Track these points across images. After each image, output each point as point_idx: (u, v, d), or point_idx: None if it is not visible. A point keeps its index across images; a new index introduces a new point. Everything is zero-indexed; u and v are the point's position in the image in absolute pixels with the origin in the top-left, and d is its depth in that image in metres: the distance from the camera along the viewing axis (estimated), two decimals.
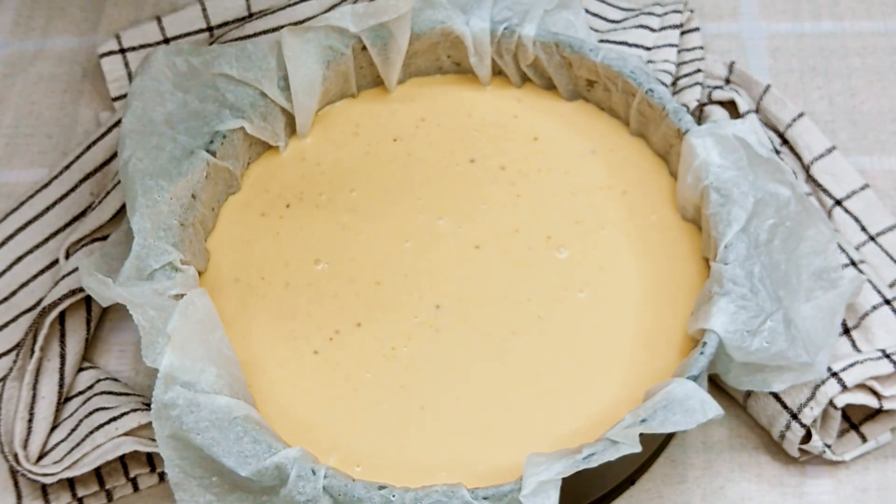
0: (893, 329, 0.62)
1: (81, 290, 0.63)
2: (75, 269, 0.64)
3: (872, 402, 0.59)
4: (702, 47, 0.74)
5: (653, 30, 0.73)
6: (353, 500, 0.53)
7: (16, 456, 0.60)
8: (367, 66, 0.70)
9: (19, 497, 0.61)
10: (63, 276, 0.64)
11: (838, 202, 0.68)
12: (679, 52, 0.73)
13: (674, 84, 0.72)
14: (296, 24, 0.71)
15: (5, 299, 0.67)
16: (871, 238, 0.67)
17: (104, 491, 0.61)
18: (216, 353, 0.58)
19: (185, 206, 0.63)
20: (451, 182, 0.67)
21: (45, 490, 0.61)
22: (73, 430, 0.61)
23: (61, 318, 0.64)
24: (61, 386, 0.63)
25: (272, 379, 0.60)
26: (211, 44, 0.73)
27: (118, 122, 0.71)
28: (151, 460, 0.61)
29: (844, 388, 0.59)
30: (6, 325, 0.66)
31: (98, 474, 0.61)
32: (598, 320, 0.61)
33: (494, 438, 0.58)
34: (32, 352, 0.62)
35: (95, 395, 0.62)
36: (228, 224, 0.66)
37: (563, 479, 0.53)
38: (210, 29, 0.75)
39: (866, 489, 0.60)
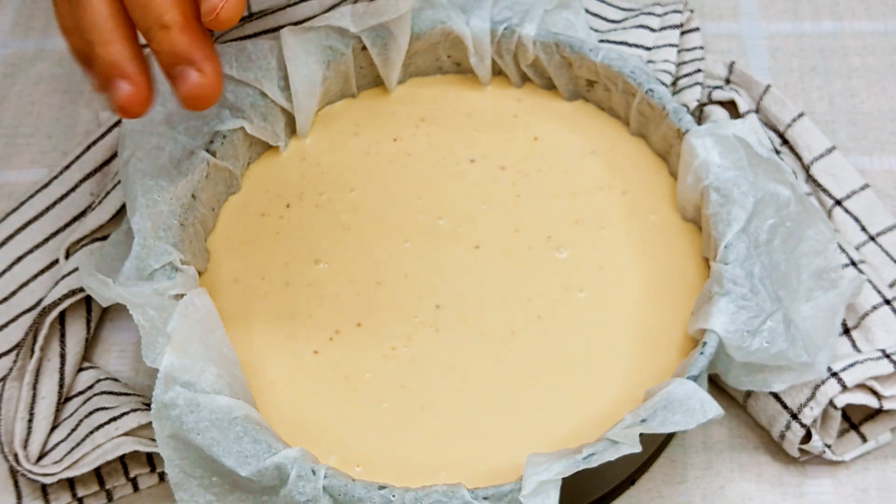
0: (893, 329, 0.62)
1: (81, 290, 0.63)
2: (75, 269, 0.64)
3: (872, 402, 0.59)
4: (702, 47, 0.74)
5: (653, 30, 0.73)
6: (353, 500, 0.53)
7: (16, 456, 0.60)
8: (367, 66, 0.70)
9: (19, 497, 0.61)
10: (63, 276, 0.64)
11: (838, 202, 0.68)
12: (679, 52, 0.73)
13: (674, 84, 0.72)
14: (296, 24, 0.71)
15: (5, 299, 0.67)
16: (871, 238, 0.67)
17: (104, 491, 0.61)
18: (216, 353, 0.58)
19: (185, 206, 0.63)
20: (451, 182, 0.67)
21: (45, 490, 0.61)
22: (73, 430, 0.61)
23: (61, 318, 0.64)
24: (61, 386, 0.63)
25: (272, 379, 0.60)
26: None
27: (118, 122, 0.71)
28: (151, 460, 0.61)
29: (844, 388, 0.59)
30: (6, 325, 0.66)
31: (98, 474, 0.61)
32: (598, 320, 0.61)
33: (494, 438, 0.58)
34: (32, 352, 0.62)
35: (95, 395, 0.62)
36: (228, 224, 0.66)
37: (563, 479, 0.53)
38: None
39: (866, 489, 0.60)
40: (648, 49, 0.72)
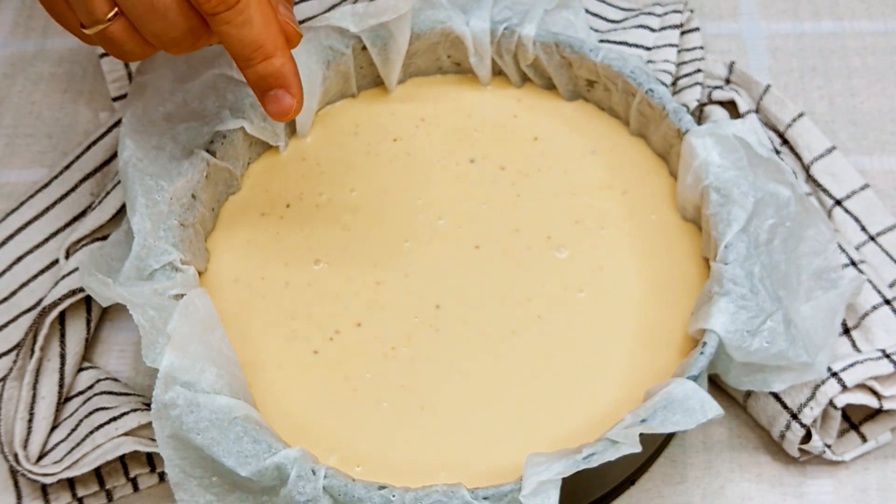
0: (893, 329, 0.62)
1: (81, 290, 0.63)
2: (75, 269, 0.64)
3: (872, 402, 0.59)
4: (702, 47, 0.74)
5: (653, 30, 0.73)
6: (353, 500, 0.53)
7: (16, 456, 0.60)
8: (367, 66, 0.70)
9: (19, 497, 0.61)
10: (63, 276, 0.64)
11: (838, 202, 0.68)
12: (679, 52, 0.73)
13: (674, 84, 0.72)
14: None
15: (5, 299, 0.67)
16: (871, 238, 0.67)
17: (104, 491, 0.61)
18: (216, 353, 0.58)
19: (185, 206, 0.63)
20: (451, 182, 0.67)
21: (45, 490, 0.61)
22: (73, 430, 0.61)
23: (61, 318, 0.64)
24: (61, 386, 0.63)
25: (272, 379, 0.60)
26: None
27: (118, 122, 0.71)
28: (151, 460, 0.61)
29: (844, 388, 0.59)
30: (6, 325, 0.66)
31: (98, 474, 0.61)
32: (598, 320, 0.61)
33: (494, 438, 0.58)
34: (32, 352, 0.62)
35: (95, 395, 0.62)
36: (228, 224, 0.66)
37: (563, 479, 0.53)
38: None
39: (866, 489, 0.60)
40: (648, 49, 0.72)
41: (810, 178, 0.69)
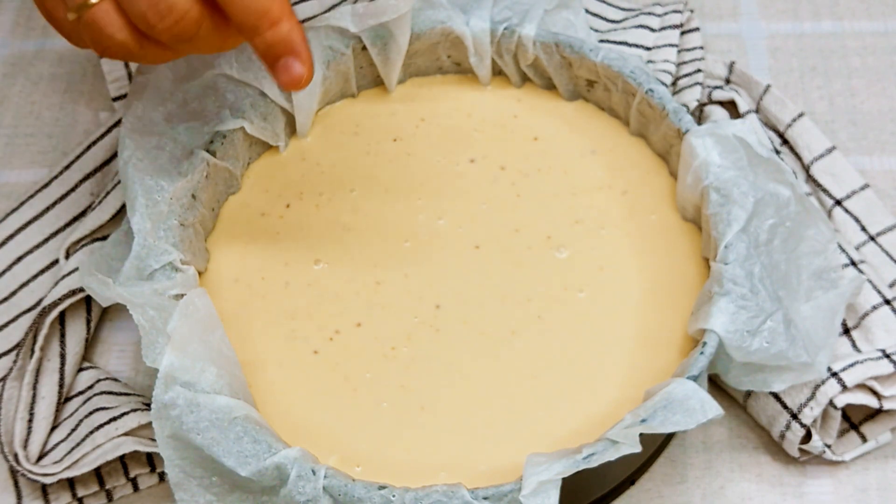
0: (893, 329, 0.62)
1: (81, 290, 0.63)
2: (75, 269, 0.64)
3: (872, 402, 0.59)
4: (702, 47, 0.74)
5: (653, 30, 0.73)
6: (353, 500, 0.53)
7: (16, 456, 0.60)
8: (367, 66, 0.70)
9: (19, 497, 0.61)
10: (63, 276, 0.64)
11: (838, 202, 0.68)
12: (679, 52, 0.73)
13: (674, 84, 0.72)
14: None
15: (5, 299, 0.67)
16: (871, 238, 0.67)
17: (104, 491, 0.61)
18: (216, 353, 0.58)
19: (185, 206, 0.63)
20: (451, 182, 0.67)
21: (45, 490, 0.61)
22: (73, 430, 0.61)
23: (61, 318, 0.64)
24: (61, 386, 0.63)
25: (272, 379, 0.60)
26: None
27: (118, 122, 0.71)
28: (151, 460, 0.61)
29: (844, 388, 0.59)
30: (6, 325, 0.66)
31: (98, 474, 0.61)
32: (598, 320, 0.61)
33: (494, 438, 0.58)
34: (32, 352, 0.62)
35: (95, 395, 0.62)
36: (228, 224, 0.66)
37: (563, 479, 0.53)
38: None
39: (866, 489, 0.60)
40: (648, 49, 0.72)
41: (810, 178, 0.69)
